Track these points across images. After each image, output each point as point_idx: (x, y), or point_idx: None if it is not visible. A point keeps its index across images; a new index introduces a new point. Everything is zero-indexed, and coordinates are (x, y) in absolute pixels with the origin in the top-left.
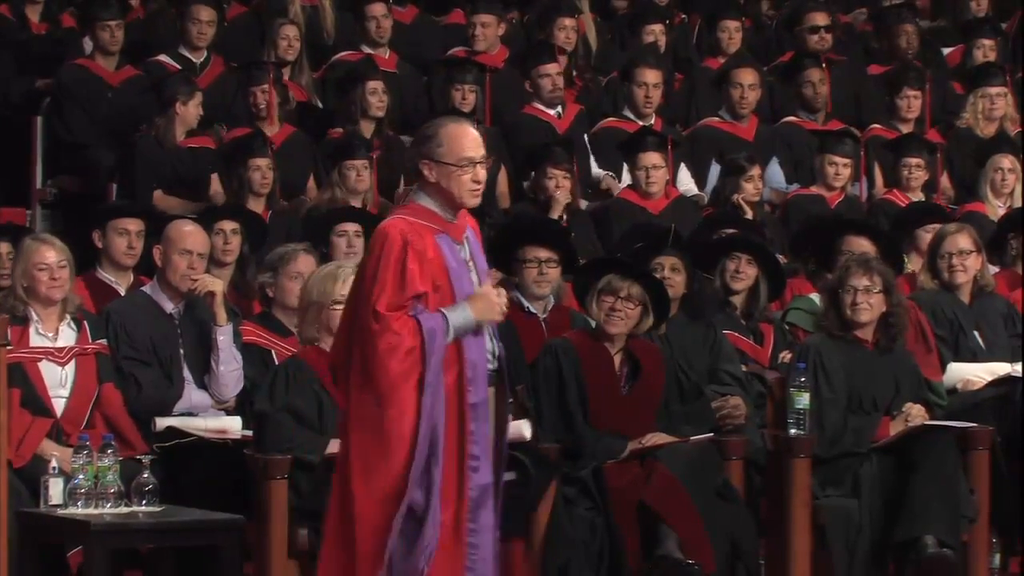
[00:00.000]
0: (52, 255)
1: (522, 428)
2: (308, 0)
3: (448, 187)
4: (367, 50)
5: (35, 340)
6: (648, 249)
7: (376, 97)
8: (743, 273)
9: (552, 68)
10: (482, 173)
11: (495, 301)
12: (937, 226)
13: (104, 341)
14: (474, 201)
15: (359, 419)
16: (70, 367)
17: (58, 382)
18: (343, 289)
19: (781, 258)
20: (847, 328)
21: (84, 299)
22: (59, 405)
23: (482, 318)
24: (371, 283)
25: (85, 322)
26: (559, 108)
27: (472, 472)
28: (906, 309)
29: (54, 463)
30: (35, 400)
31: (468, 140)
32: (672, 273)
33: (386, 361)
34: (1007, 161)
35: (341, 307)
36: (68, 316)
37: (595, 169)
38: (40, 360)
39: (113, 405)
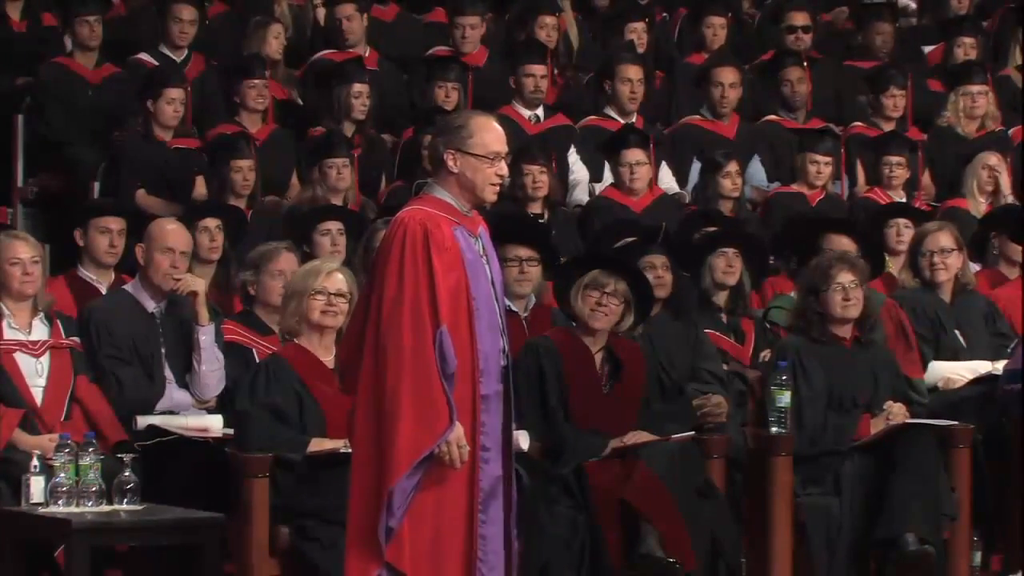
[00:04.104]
0: (25, 250)
1: (519, 439)
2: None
3: (472, 179)
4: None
5: (8, 334)
6: (636, 247)
7: (360, 100)
8: (734, 267)
9: (538, 70)
10: (505, 168)
11: (462, 447)
12: (901, 221)
13: (77, 338)
14: (493, 197)
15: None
16: (45, 359)
17: (34, 372)
18: (325, 281)
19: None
20: (825, 328)
21: (65, 298)
22: (37, 395)
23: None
24: (395, 284)
25: (58, 320)
26: (538, 111)
27: (484, 464)
28: (876, 300)
29: (35, 461)
30: (12, 390)
31: (497, 133)
32: (664, 272)
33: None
34: (994, 159)
35: (322, 298)
36: (40, 313)
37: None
38: (14, 352)
39: (90, 396)
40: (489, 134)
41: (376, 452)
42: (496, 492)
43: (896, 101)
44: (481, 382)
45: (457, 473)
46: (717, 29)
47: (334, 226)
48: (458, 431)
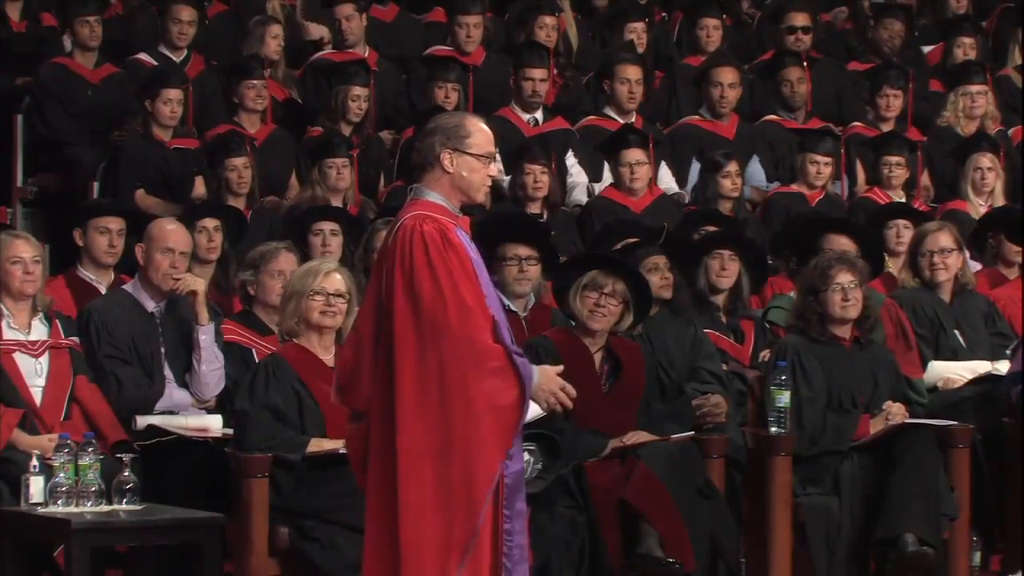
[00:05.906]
0: (26, 250)
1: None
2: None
3: (469, 178)
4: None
5: (7, 334)
6: (638, 247)
7: (356, 104)
8: (728, 270)
9: (538, 73)
10: (495, 169)
11: (555, 390)
12: (901, 222)
13: (76, 339)
14: (484, 198)
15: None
16: (44, 359)
17: (33, 372)
18: (324, 282)
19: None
20: (825, 328)
21: (64, 298)
22: (36, 395)
23: (535, 396)
24: (431, 286)
25: (57, 320)
26: (536, 114)
27: (508, 460)
28: (876, 300)
29: (35, 461)
30: (11, 390)
31: (489, 134)
32: (669, 272)
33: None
34: (986, 160)
35: (320, 298)
36: (40, 313)
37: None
38: (14, 352)
39: (89, 396)
40: (484, 135)
41: (441, 447)
42: (519, 486)
43: (889, 101)
44: None
45: None
46: (711, 31)
47: (327, 226)
48: (543, 374)
